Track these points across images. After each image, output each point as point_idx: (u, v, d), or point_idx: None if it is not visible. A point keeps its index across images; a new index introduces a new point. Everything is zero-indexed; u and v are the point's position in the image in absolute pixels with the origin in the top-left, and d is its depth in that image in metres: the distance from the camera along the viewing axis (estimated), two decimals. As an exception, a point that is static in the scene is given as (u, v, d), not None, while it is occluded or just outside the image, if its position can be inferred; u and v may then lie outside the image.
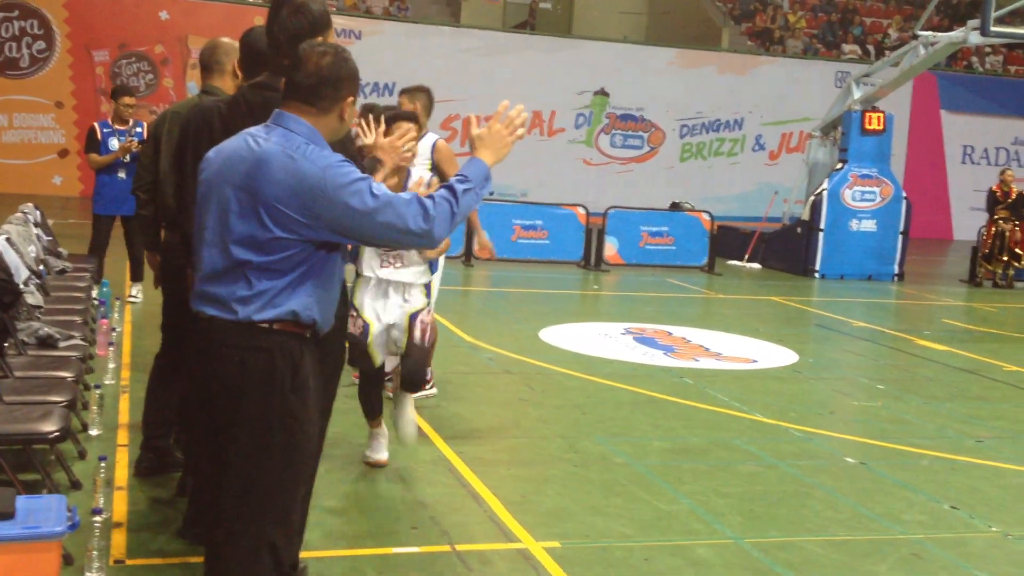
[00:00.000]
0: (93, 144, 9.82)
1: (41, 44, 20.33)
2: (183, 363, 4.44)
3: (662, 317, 11.67)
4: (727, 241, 17.64)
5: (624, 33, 25.97)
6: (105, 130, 9.84)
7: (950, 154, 26.28)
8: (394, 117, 5.54)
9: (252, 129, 3.27)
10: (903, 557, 5.12)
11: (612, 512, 5.43)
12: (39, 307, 6.75)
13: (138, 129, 9.76)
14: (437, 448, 6.25)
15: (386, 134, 4.23)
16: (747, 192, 24.04)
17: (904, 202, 16.73)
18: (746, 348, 10.20)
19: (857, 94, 16.86)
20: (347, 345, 5.17)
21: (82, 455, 5.55)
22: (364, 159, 4.09)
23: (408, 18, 23.48)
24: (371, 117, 4.35)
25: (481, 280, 13.59)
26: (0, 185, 18.93)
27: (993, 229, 16.58)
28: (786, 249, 17.00)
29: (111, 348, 7.27)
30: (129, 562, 4.43)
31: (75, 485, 5.10)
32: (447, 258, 8.32)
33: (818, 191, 16.55)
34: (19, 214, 8.35)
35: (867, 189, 16.50)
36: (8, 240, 6.66)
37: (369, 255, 5.58)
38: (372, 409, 5.84)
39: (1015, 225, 16.45)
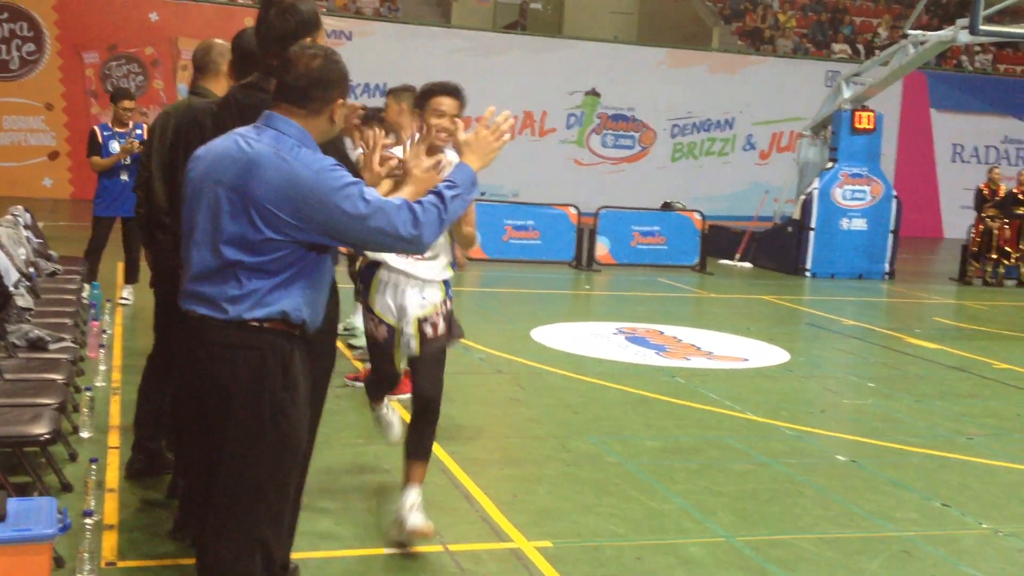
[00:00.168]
0: (95, 147, 9.82)
1: (31, 46, 20.26)
2: (174, 363, 4.42)
3: (654, 316, 11.69)
4: (718, 240, 17.66)
5: (615, 33, 25.98)
6: (105, 133, 9.86)
7: (940, 153, 26.36)
8: (366, 119, 5.41)
9: (241, 129, 3.26)
10: (894, 554, 5.13)
11: (604, 511, 5.44)
12: (29, 309, 6.74)
13: (138, 131, 9.82)
14: (429, 448, 6.24)
15: (362, 136, 4.08)
16: (738, 191, 24.06)
17: (894, 201, 16.77)
18: (737, 347, 10.22)
19: (847, 93, 16.89)
20: (368, 348, 5.12)
21: (73, 457, 5.54)
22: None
23: (398, 19, 23.45)
24: (378, 131, 3.95)
25: (472, 280, 13.58)
26: (-10, 187, 18.91)
27: (981, 227, 16.65)
28: (777, 248, 17.03)
29: (102, 350, 7.27)
30: (120, 564, 4.43)
31: (66, 487, 5.09)
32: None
33: (809, 190, 16.58)
34: (9, 216, 8.35)
35: (857, 188, 16.54)
36: (-2, 242, 6.65)
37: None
38: (378, 395, 5.49)
39: (1004, 223, 16.51)
